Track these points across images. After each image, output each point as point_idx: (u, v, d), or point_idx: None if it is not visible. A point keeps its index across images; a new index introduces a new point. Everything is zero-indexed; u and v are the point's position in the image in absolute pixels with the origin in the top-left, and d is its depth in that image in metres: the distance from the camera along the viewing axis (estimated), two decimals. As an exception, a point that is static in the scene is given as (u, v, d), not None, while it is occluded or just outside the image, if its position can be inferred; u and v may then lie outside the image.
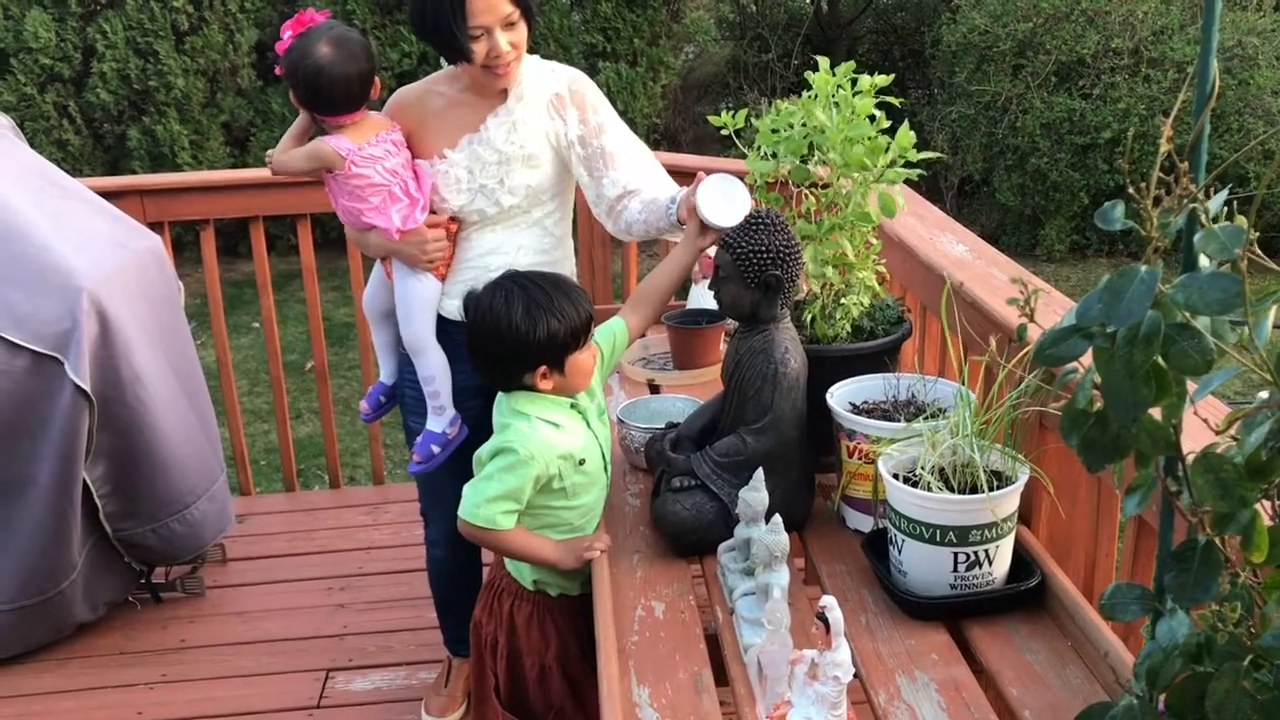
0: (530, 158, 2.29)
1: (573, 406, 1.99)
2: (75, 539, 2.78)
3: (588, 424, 2.01)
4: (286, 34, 2.20)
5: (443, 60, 2.29)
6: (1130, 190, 0.81)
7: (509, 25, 2.16)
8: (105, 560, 2.92)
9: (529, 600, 2.07)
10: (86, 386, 2.63)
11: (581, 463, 1.97)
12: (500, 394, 2.01)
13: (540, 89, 2.31)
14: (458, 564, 2.58)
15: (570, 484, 1.96)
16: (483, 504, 1.91)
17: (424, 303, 2.34)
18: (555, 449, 1.92)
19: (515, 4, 2.15)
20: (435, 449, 2.36)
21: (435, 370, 2.34)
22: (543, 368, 1.91)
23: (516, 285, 1.93)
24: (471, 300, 1.96)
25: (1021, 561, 1.71)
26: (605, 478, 2.05)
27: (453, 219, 2.33)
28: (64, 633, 2.95)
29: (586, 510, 2.01)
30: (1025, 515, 1.85)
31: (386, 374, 2.60)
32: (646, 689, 1.54)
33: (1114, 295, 0.78)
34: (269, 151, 2.33)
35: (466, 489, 1.95)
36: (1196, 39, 7.64)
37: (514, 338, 1.88)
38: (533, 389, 1.94)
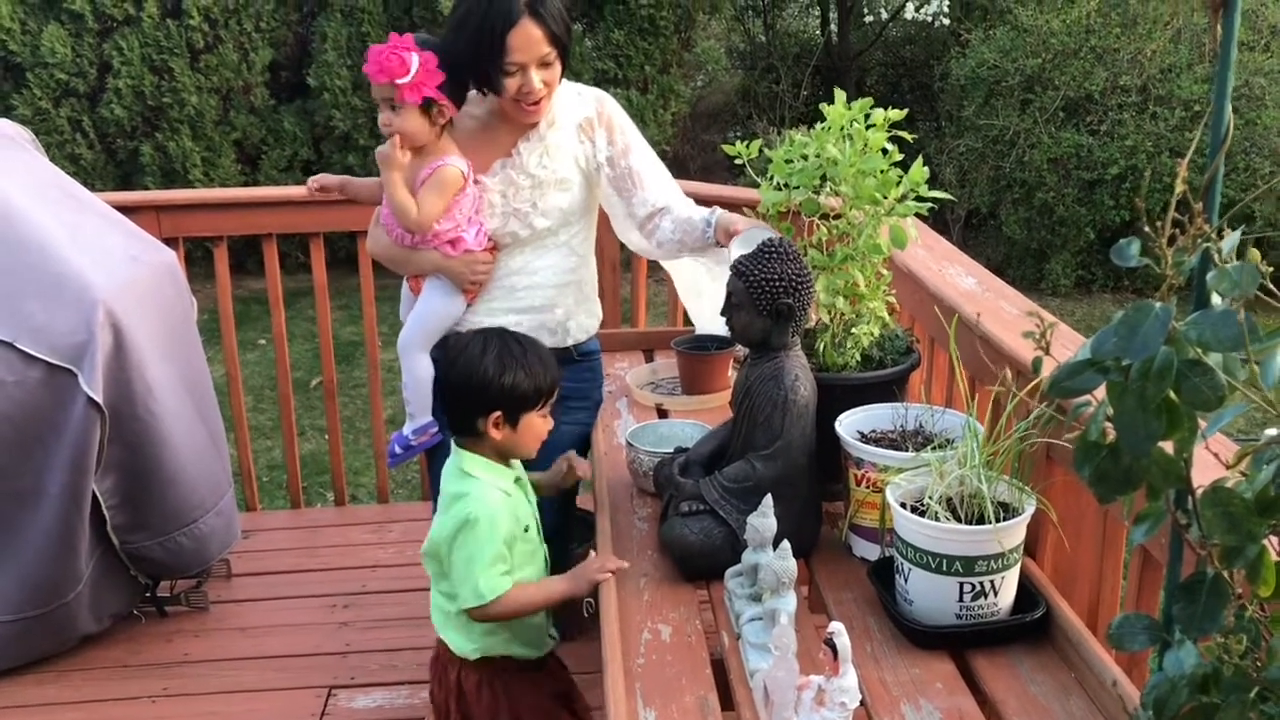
0: (562, 181, 2.32)
1: (516, 481, 2.05)
2: (83, 550, 2.79)
3: (527, 498, 2.08)
4: (386, 56, 2.18)
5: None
6: (1146, 229, 0.83)
7: (544, 65, 2.19)
8: (111, 572, 2.93)
9: (474, 668, 2.07)
10: (99, 398, 2.65)
11: (526, 529, 2.03)
12: (450, 460, 2.04)
13: (570, 113, 2.34)
14: None
15: (517, 552, 2.00)
16: (480, 579, 1.93)
17: (443, 322, 2.37)
18: (505, 507, 1.98)
19: (553, 45, 2.18)
20: (399, 449, 2.45)
21: (419, 380, 2.38)
22: (497, 414, 1.96)
23: (496, 335, 2.00)
24: (452, 339, 2.06)
25: (1026, 593, 1.72)
26: (543, 550, 2.10)
27: (491, 241, 2.36)
28: (68, 644, 2.96)
29: (528, 584, 2.02)
30: (1031, 547, 1.87)
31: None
32: (653, 711, 1.55)
33: (1129, 330, 0.80)
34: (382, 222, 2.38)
35: (456, 582, 1.96)
36: (1204, 78, 7.70)
37: (480, 378, 1.94)
38: (482, 436, 1.98)
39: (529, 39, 2.14)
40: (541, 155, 2.30)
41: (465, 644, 2.05)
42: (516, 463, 2.07)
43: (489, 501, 1.95)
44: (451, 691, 2.08)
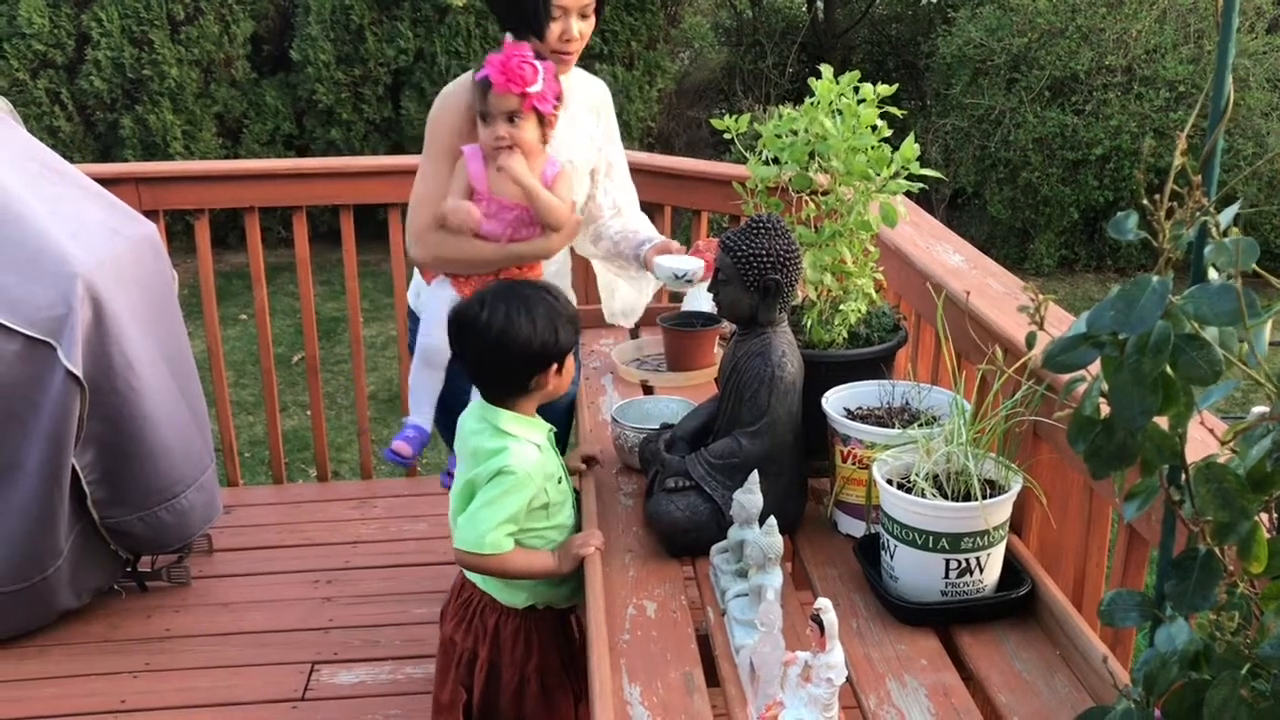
0: (574, 162, 2.36)
1: (548, 435, 2.05)
2: (62, 525, 2.77)
3: (555, 450, 2.09)
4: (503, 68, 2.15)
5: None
6: (1145, 202, 0.82)
7: (584, 15, 2.22)
8: (91, 547, 2.91)
9: (516, 615, 2.08)
10: (79, 372, 2.62)
11: (560, 481, 2.04)
12: (474, 415, 2.02)
13: (584, 95, 2.39)
14: None
15: (553, 501, 2.00)
16: (489, 532, 1.93)
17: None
18: (543, 469, 1.98)
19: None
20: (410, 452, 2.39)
21: (435, 385, 2.36)
22: (555, 366, 1.98)
23: (518, 296, 1.97)
24: (479, 316, 1.95)
25: (1012, 570, 1.73)
26: (574, 495, 2.10)
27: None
28: (48, 619, 2.94)
29: (564, 527, 2.04)
30: (1016, 524, 1.87)
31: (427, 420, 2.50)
32: (638, 687, 1.55)
33: (1126, 304, 0.79)
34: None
35: (463, 520, 1.95)
36: (1189, 59, 7.70)
37: (539, 343, 1.94)
38: (532, 391, 1.98)
39: None
40: (563, 135, 2.31)
41: (515, 595, 2.07)
42: (543, 421, 2.06)
43: (527, 460, 1.95)
44: (485, 636, 2.08)
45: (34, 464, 2.69)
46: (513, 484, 1.92)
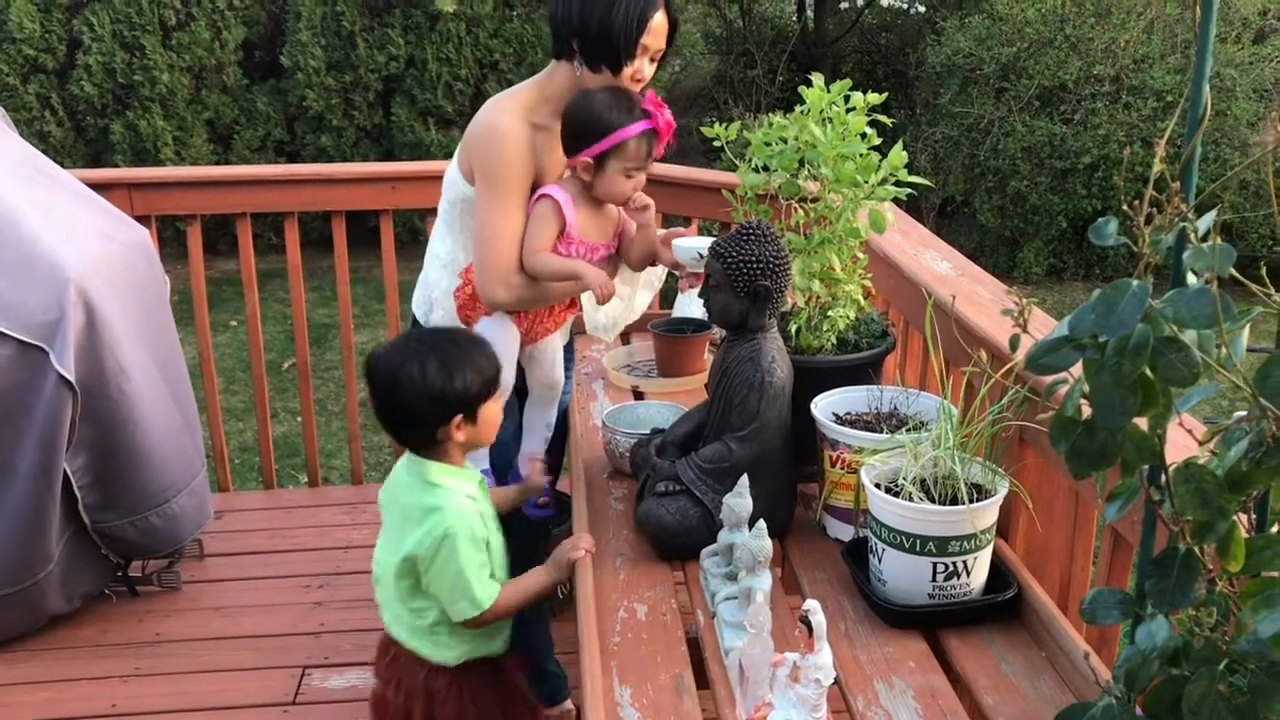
0: None
1: (479, 484, 2.05)
2: (53, 529, 2.77)
3: (487, 499, 2.08)
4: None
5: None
6: (1125, 207, 0.84)
7: (653, 59, 2.20)
8: (82, 552, 2.92)
9: (445, 671, 2.06)
10: (71, 377, 2.63)
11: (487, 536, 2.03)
12: (404, 468, 2.01)
13: None
14: None
15: (491, 541, 2.02)
16: (477, 589, 1.93)
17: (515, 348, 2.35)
18: (476, 514, 1.98)
19: (668, 43, 2.21)
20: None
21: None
22: (458, 418, 1.94)
23: (422, 343, 1.97)
24: (378, 363, 1.96)
25: (999, 573, 1.74)
26: (504, 548, 2.09)
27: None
28: (38, 623, 2.94)
29: (511, 582, 2.04)
30: (1003, 528, 1.89)
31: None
32: (628, 689, 1.56)
33: (1107, 307, 0.81)
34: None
35: (449, 598, 1.95)
36: (1177, 68, 7.76)
37: (433, 391, 1.91)
38: (443, 444, 1.96)
39: (660, 28, 2.16)
40: None
41: (446, 652, 2.04)
42: (474, 469, 2.07)
43: (464, 511, 1.95)
44: (417, 693, 2.06)
45: (26, 468, 2.69)
46: (460, 541, 1.92)
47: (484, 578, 1.96)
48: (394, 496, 2.03)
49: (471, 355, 1.95)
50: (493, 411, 2.00)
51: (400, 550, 1.96)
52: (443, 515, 1.93)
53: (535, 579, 2.02)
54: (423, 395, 1.91)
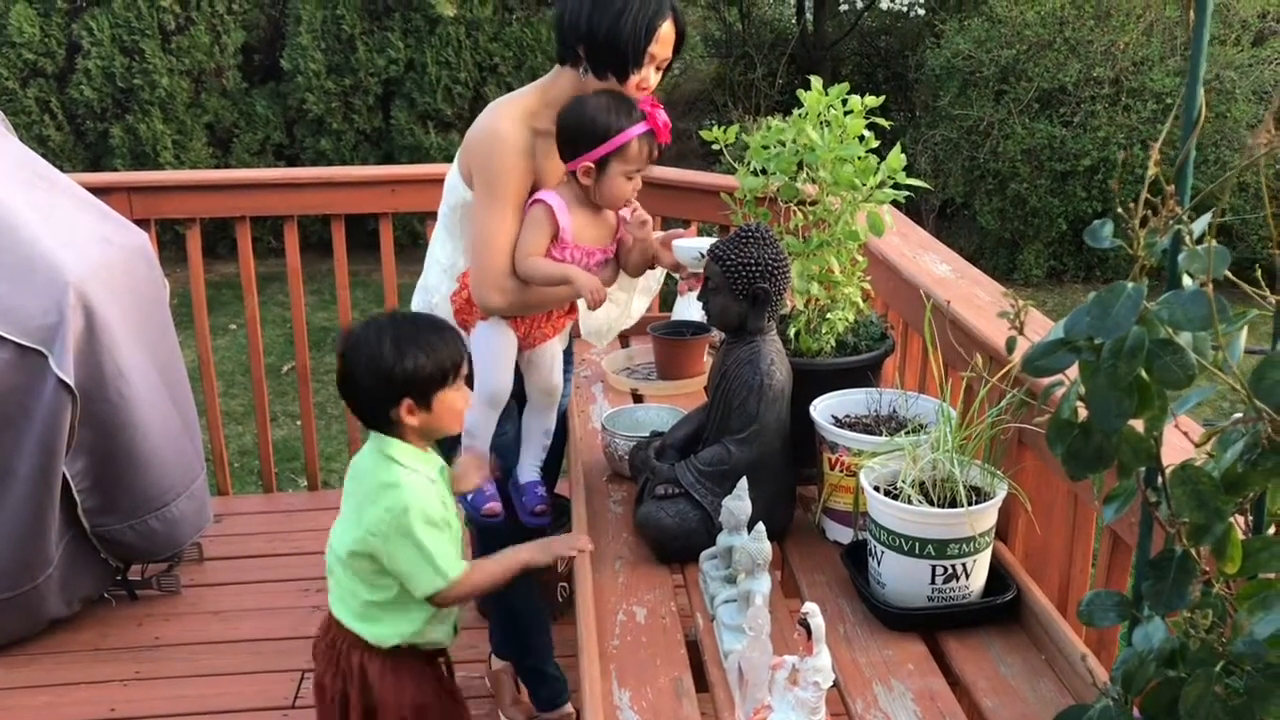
0: None
1: (440, 470, 2.02)
2: (52, 533, 2.77)
3: (448, 488, 2.05)
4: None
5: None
6: (1120, 210, 0.84)
7: (659, 68, 2.19)
8: (82, 556, 2.92)
9: (379, 654, 2.02)
10: (70, 381, 2.63)
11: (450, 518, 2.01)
12: (369, 449, 1.99)
13: None
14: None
15: (452, 524, 2.00)
16: (441, 562, 1.91)
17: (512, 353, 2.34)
18: (436, 497, 1.96)
19: (675, 51, 2.20)
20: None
21: (492, 427, 2.36)
22: (408, 401, 1.91)
23: (388, 320, 1.96)
24: (344, 334, 1.97)
25: (998, 576, 1.74)
26: (462, 538, 2.07)
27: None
28: (38, 627, 2.94)
29: (486, 559, 2.03)
30: (1002, 531, 1.89)
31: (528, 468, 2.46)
32: (628, 692, 1.56)
33: (1102, 310, 0.81)
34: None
35: (412, 572, 1.92)
36: (1176, 70, 7.76)
37: (382, 368, 1.89)
38: (398, 425, 1.94)
39: (668, 37, 2.15)
40: None
41: (385, 632, 2.00)
42: (436, 455, 2.04)
43: (422, 489, 1.92)
44: (352, 676, 2.02)
45: (25, 472, 2.69)
46: (421, 513, 1.90)
47: (447, 551, 1.92)
48: (356, 477, 2.01)
49: (429, 339, 1.92)
50: (451, 400, 1.95)
51: (360, 527, 1.93)
52: (399, 492, 1.90)
53: (515, 556, 2.00)
54: (371, 371, 1.89)
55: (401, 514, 1.89)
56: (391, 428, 1.95)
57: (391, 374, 1.88)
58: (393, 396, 1.90)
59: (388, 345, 1.89)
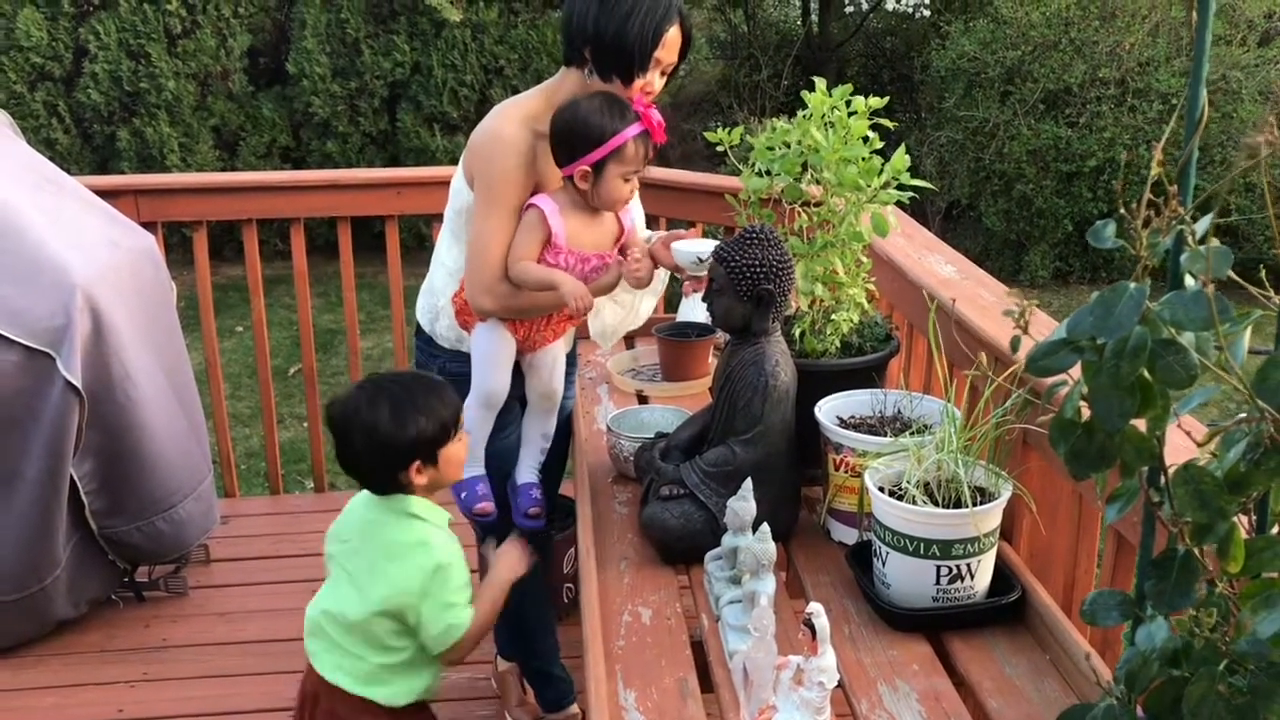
0: None
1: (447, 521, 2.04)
2: (60, 535, 2.78)
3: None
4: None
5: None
6: (1123, 211, 0.85)
7: (664, 73, 2.18)
8: (89, 557, 2.93)
9: (392, 712, 2.00)
10: (78, 383, 2.64)
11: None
12: (369, 506, 2.00)
13: None
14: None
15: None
16: (453, 617, 1.93)
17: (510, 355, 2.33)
18: (459, 549, 1.99)
19: (680, 57, 2.19)
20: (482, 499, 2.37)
21: (489, 429, 2.36)
22: (416, 463, 1.93)
23: (375, 388, 1.96)
24: (335, 408, 1.96)
25: (1002, 576, 1.74)
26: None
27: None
28: (45, 629, 2.95)
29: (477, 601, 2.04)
30: (1007, 531, 1.89)
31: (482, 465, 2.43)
32: (633, 693, 1.57)
33: (1105, 310, 0.82)
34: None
35: (437, 631, 1.93)
36: (1182, 71, 7.75)
37: (385, 439, 1.90)
38: (408, 485, 1.95)
39: (674, 42, 2.15)
40: None
41: (398, 691, 1.99)
42: (442, 511, 2.04)
43: (451, 546, 1.94)
44: None
45: (33, 474, 2.70)
46: (455, 569, 1.93)
47: (462, 603, 1.96)
48: (364, 538, 1.99)
49: (426, 400, 1.93)
50: (454, 452, 1.98)
51: (387, 586, 1.92)
52: (430, 549, 1.93)
53: (497, 582, 2.03)
54: (375, 444, 1.91)
55: (435, 572, 1.91)
56: (401, 488, 1.96)
57: (396, 443, 1.90)
58: (401, 463, 1.92)
59: (385, 415, 1.90)
